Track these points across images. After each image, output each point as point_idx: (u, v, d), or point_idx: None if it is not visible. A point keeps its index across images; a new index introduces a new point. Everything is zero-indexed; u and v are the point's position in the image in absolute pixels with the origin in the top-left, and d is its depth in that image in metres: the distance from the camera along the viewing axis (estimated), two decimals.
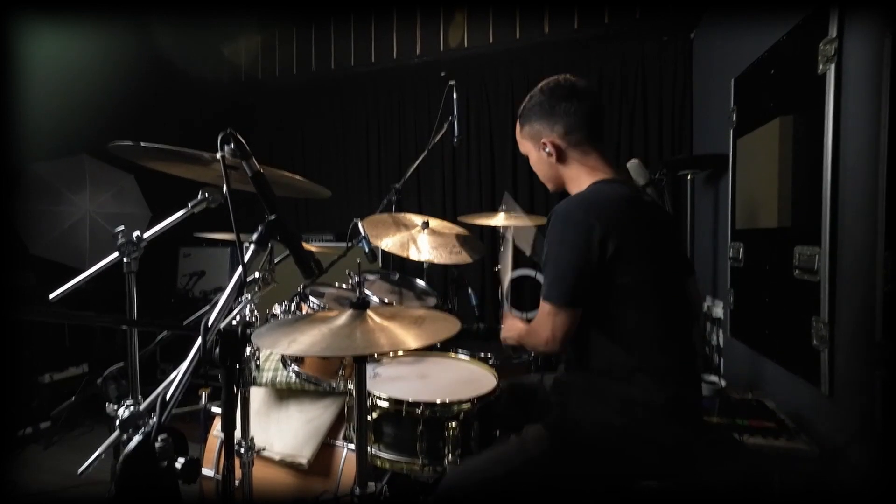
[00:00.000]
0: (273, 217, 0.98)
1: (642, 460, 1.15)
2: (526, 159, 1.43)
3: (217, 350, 0.85)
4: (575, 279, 1.15)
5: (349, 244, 1.65)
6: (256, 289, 1.37)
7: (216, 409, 1.82)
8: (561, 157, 1.31)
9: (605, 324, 1.19)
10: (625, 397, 1.16)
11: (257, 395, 1.84)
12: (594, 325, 1.20)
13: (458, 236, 2.01)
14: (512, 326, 1.40)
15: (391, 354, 1.62)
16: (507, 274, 1.79)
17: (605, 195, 1.22)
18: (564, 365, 1.34)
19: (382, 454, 1.25)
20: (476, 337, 2.13)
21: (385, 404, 1.24)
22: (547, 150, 1.31)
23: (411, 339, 1.01)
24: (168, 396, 0.77)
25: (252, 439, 1.48)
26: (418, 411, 1.21)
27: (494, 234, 2.60)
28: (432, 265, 2.17)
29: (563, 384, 1.31)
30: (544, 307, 1.18)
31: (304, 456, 1.61)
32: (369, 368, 1.48)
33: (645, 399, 1.15)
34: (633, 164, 2.06)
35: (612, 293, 1.16)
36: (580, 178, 1.30)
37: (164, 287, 3.84)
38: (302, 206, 4.24)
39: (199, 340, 0.82)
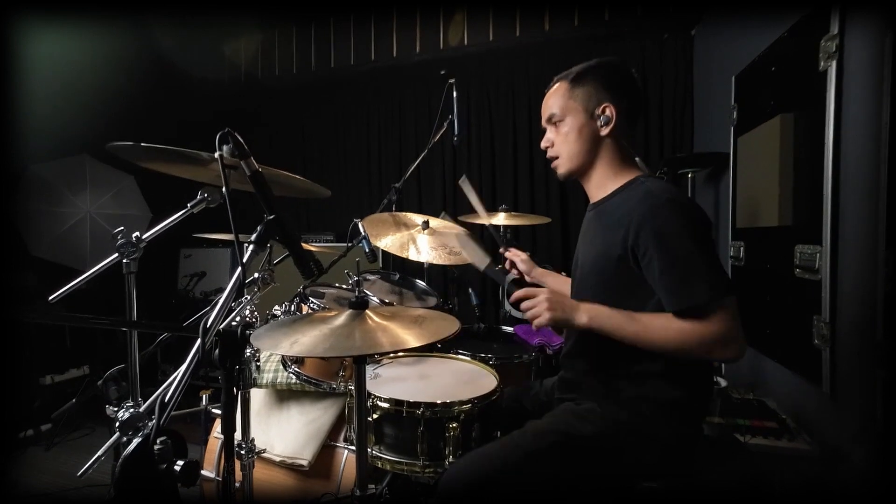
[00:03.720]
0: (272, 217, 0.98)
1: (644, 458, 1.15)
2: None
3: (216, 351, 0.85)
4: (721, 266, 1.10)
5: (349, 244, 1.65)
6: (256, 289, 1.37)
7: (217, 411, 1.82)
8: (614, 130, 1.22)
9: None
10: (635, 395, 1.16)
11: (258, 396, 1.84)
12: None
13: (457, 236, 2.00)
14: (652, 324, 1.10)
15: (391, 355, 1.61)
16: (484, 260, 1.74)
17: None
18: (572, 365, 1.32)
19: (383, 455, 1.24)
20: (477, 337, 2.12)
21: (385, 405, 1.23)
22: (605, 116, 1.21)
23: (411, 339, 1.00)
24: (167, 398, 0.77)
25: (253, 441, 1.48)
26: (419, 412, 1.21)
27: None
28: (433, 265, 2.16)
29: (572, 382, 1.31)
30: (725, 308, 1.06)
31: (304, 457, 1.61)
32: (369, 369, 1.48)
33: (655, 397, 1.14)
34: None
35: (649, 292, 1.14)
36: (616, 165, 1.26)
37: (165, 288, 3.84)
38: (302, 206, 4.24)
39: (199, 341, 0.82)
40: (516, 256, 1.70)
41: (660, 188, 1.15)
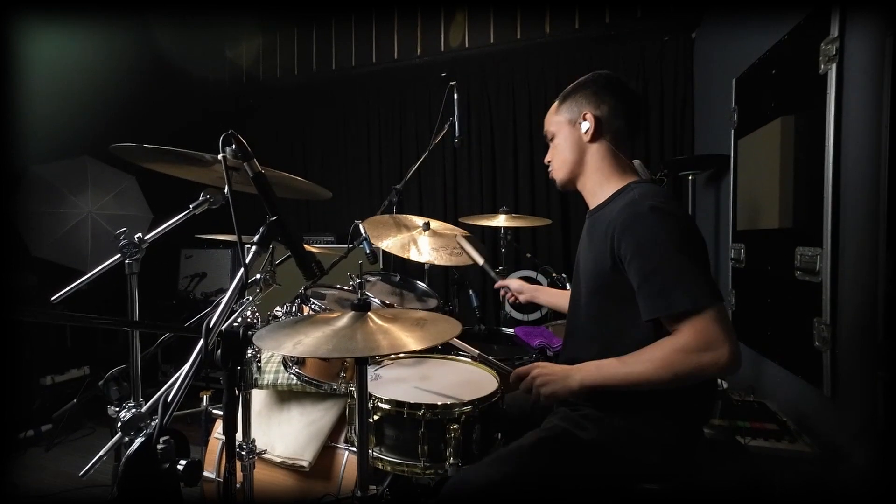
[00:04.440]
0: (274, 218, 0.98)
1: (644, 461, 1.15)
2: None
3: (218, 352, 0.85)
4: (709, 273, 1.09)
5: (350, 245, 1.65)
6: (258, 290, 1.37)
7: (218, 412, 1.82)
8: (596, 135, 1.26)
9: (637, 328, 1.15)
10: (633, 399, 1.16)
11: (259, 397, 1.84)
12: (626, 328, 1.17)
13: (458, 237, 2.01)
14: (635, 361, 1.09)
15: (392, 356, 1.61)
16: (480, 259, 1.85)
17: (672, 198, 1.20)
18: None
19: (384, 456, 1.24)
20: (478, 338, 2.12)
21: (386, 406, 1.23)
22: (585, 123, 1.25)
23: (413, 342, 1.00)
24: (170, 398, 0.77)
25: (253, 441, 1.48)
26: (420, 413, 1.21)
27: (496, 235, 2.61)
28: (433, 266, 2.17)
29: None
30: (705, 316, 1.03)
31: (305, 458, 1.61)
32: (370, 370, 1.48)
33: (653, 401, 1.14)
34: (635, 165, 2.06)
35: None
36: (606, 170, 1.27)
37: (166, 289, 3.84)
38: (303, 207, 4.24)
39: (201, 342, 0.82)
40: (507, 284, 1.83)
41: (645, 195, 1.15)
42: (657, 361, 1.06)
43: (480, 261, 1.85)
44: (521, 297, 1.80)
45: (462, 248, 1.92)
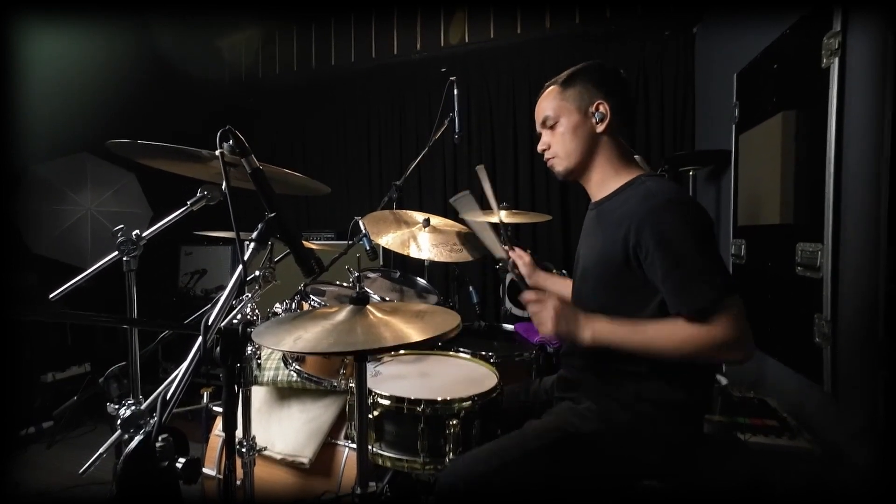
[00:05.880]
0: (273, 215, 0.98)
1: (644, 458, 1.15)
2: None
3: (218, 349, 0.85)
4: (723, 265, 1.09)
5: (350, 242, 1.65)
6: (257, 287, 1.36)
7: (218, 409, 1.82)
8: (610, 128, 1.23)
9: (640, 317, 1.14)
10: (634, 394, 1.16)
11: (259, 394, 1.84)
12: (630, 318, 1.16)
13: (458, 234, 2.01)
14: (661, 332, 1.09)
15: (392, 353, 1.61)
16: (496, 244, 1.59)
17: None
18: (571, 364, 1.33)
19: (384, 453, 1.24)
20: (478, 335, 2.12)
21: (386, 402, 1.23)
22: (599, 113, 1.22)
23: (414, 332, 0.99)
24: (169, 396, 0.77)
25: (254, 439, 1.48)
26: (419, 409, 1.21)
27: (495, 232, 2.59)
28: (433, 263, 2.16)
29: (570, 381, 1.30)
30: (728, 309, 1.05)
31: (305, 455, 1.61)
32: (370, 367, 1.48)
33: (654, 397, 1.14)
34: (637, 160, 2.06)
35: (651, 291, 1.13)
36: (615, 162, 1.26)
37: (166, 286, 3.84)
38: (303, 203, 4.24)
39: (200, 339, 0.82)
40: (520, 259, 1.67)
41: (660, 187, 1.15)
42: (678, 341, 1.07)
43: (497, 254, 1.67)
44: (527, 281, 1.64)
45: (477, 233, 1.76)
